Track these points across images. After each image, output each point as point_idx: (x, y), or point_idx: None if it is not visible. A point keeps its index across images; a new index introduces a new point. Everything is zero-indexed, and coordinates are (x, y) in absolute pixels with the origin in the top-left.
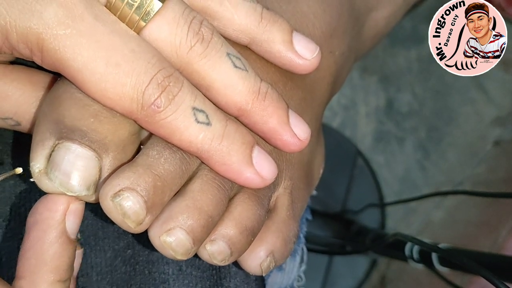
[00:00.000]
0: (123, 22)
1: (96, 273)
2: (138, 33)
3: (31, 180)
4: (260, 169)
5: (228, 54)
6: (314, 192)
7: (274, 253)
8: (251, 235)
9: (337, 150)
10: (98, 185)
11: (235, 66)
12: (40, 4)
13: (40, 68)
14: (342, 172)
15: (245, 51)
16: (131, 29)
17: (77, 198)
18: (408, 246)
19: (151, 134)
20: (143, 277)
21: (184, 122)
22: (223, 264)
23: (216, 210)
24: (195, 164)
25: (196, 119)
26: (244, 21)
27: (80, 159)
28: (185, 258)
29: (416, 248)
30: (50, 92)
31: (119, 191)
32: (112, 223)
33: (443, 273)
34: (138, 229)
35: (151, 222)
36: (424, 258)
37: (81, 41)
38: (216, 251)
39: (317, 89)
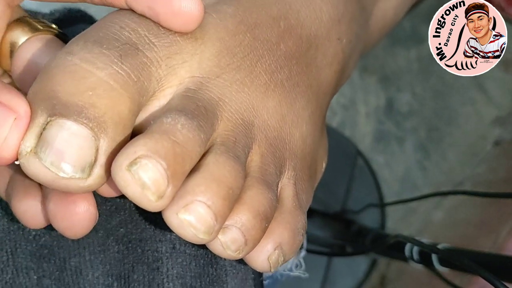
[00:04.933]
0: None
1: (88, 253)
2: None
3: (17, 162)
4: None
5: None
6: None
7: (282, 245)
8: (265, 220)
9: (337, 150)
10: (94, 168)
11: None
12: None
13: None
14: (342, 172)
15: (255, 30)
16: None
17: (68, 182)
18: (408, 246)
19: (147, 124)
20: (136, 255)
21: None
22: (237, 257)
23: (235, 181)
24: (210, 135)
25: None
26: None
27: (75, 137)
28: (208, 238)
29: (416, 249)
30: (42, 69)
31: (136, 159)
32: (105, 200)
33: (443, 273)
34: (159, 204)
35: (173, 195)
36: (424, 258)
37: None
38: (229, 239)
39: (323, 77)
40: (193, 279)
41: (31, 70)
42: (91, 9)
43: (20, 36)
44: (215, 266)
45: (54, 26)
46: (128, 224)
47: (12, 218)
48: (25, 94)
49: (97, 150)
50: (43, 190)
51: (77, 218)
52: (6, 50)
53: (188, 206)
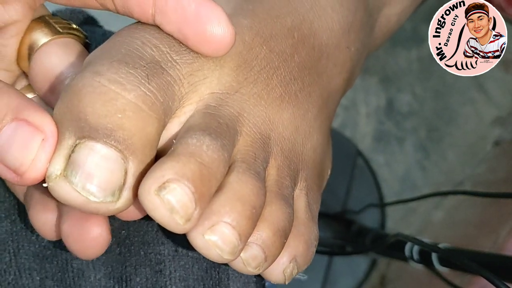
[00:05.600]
0: None
1: None
2: None
3: (44, 185)
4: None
5: None
6: None
7: (297, 258)
8: (284, 236)
9: (337, 150)
10: (123, 191)
11: None
12: None
13: None
14: (342, 172)
15: (270, 42)
16: None
17: (99, 206)
18: (408, 246)
19: (169, 143)
20: (139, 258)
21: None
22: (257, 272)
23: (258, 200)
24: (232, 152)
25: None
26: None
27: (105, 160)
28: (232, 258)
29: (416, 248)
30: (67, 89)
31: (164, 183)
32: None
33: (443, 273)
34: (187, 226)
35: (199, 217)
36: (424, 258)
37: None
38: (250, 256)
39: (333, 86)
40: (196, 282)
41: (47, 75)
42: (93, 11)
43: (39, 38)
44: (218, 270)
45: (75, 26)
46: (130, 226)
47: (15, 219)
48: (41, 98)
49: (126, 173)
50: (59, 206)
51: (90, 243)
52: (24, 52)
53: (214, 227)
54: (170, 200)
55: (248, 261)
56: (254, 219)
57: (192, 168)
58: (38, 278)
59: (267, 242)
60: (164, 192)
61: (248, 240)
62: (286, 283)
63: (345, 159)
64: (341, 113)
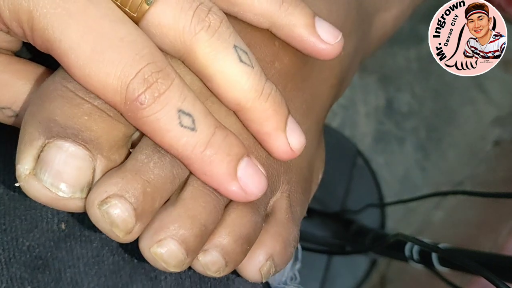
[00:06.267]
0: (126, 6)
1: (83, 264)
2: (141, 17)
3: (17, 185)
4: (244, 184)
5: (235, 46)
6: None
7: (273, 256)
8: (247, 243)
9: (337, 150)
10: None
11: (241, 61)
12: None
13: (46, 61)
14: (342, 172)
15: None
16: (134, 13)
17: (68, 202)
18: (408, 246)
19: (142, 136)
20: (133, 265)
21: (166, 124)
22: (218, 276)
23: (210, 218)
24: (187, 169)
25: (180, 122)
26: (265, 5)
27: (73, 158)
28: (178, 270)
29: (416, 248)
30: (38, 91)
31: (106, 198)
32: None
33: (443, 273)
34: (128, 238)
35: (141, 231)
36: (424, 258)
37: (69, 22)
38: (209, 261)
39: (319, 92)
40: (194, 284)
41: None
42: None
43: None
44: None
45: None
46: None
47: (5, 229)
48: None
49: (94, 171)
50: None
51: None
52: None
53: (161, 242)
54: (110, 214)
55: (207, 265)
56: (204, 235)
57: (135, 186)
58: (29, 287)
59: (227, 249)
60: (106, 206)
61: (208, 246)
62: (263, 281)
63: (344, 158)
64: (340, 112)
